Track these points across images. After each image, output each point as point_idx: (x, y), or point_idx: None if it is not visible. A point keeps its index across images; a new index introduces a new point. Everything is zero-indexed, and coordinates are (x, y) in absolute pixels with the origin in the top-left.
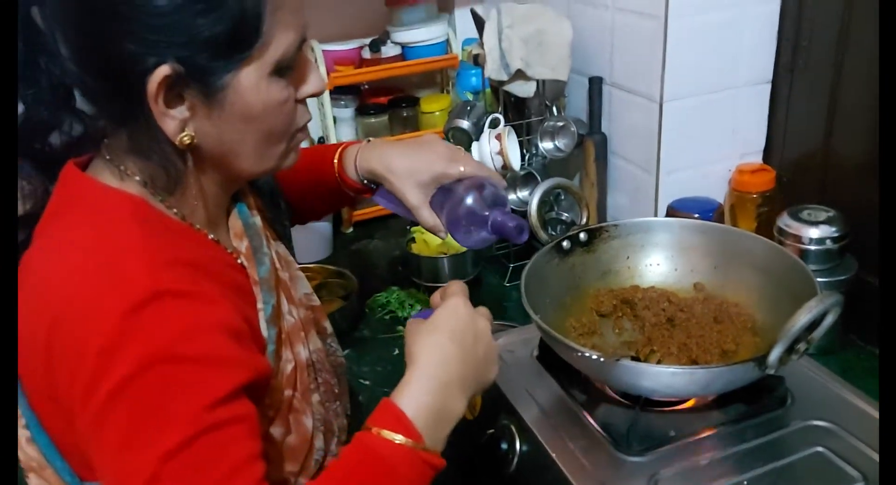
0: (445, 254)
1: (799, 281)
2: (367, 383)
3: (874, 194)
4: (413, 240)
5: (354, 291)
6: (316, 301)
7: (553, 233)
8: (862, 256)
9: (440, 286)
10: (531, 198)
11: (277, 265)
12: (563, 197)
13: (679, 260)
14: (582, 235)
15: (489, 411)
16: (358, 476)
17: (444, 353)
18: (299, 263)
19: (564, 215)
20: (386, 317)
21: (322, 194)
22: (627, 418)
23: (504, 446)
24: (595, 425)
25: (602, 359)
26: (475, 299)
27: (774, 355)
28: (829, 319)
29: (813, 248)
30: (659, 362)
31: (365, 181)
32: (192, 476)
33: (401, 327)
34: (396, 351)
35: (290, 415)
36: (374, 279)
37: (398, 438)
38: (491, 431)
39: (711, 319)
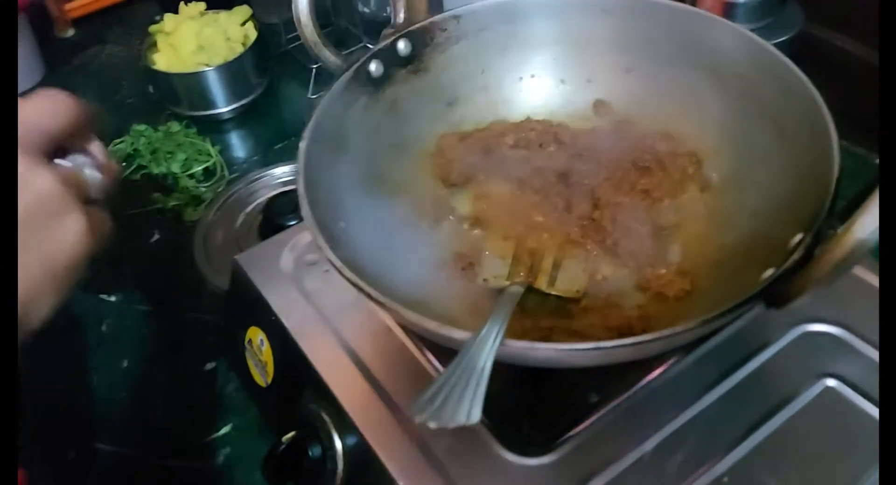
0: (208, 65)
1: (776, 82)
2: (113, 298)
3: None
4: (156, 47)
5: None
6: None
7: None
8: (808, 3)
9: (211, 115)
10: None
11: None
12: None
13: (567, 64)
14: (401, 45)
15: (284, 395)
16: None
17: None
18: None
19: (366, 10)
20: (135, 176)
21: None
22: (520, 382)
23: (315, 451)
24: None
25: (460, 337)
26: (269, 121)
27: (803, 298)
28: None
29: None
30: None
31: None
32: None
33: (158, 195)
34: (156, 236)
35: None
36: (112, 114)
37: None
38: (291, 434)
39: (629, 165)
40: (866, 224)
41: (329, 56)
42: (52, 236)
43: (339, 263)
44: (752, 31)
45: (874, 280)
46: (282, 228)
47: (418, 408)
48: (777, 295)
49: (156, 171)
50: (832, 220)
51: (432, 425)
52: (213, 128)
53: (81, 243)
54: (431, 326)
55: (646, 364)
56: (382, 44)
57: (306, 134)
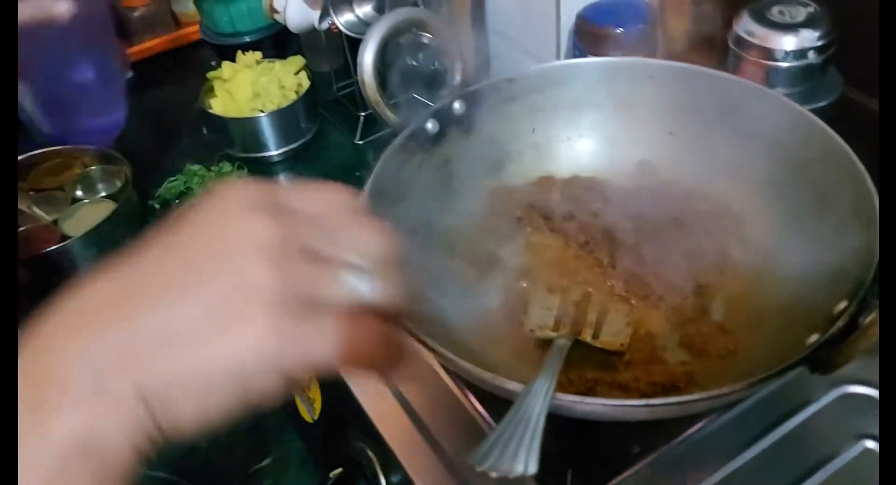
0: (262, 111)
1: (816, 148)
2: None
3: None
4: (212, 92)
5: (129, 184)
6: None
7: (410, 103)
8: (847, 68)
9: (262, 157)
10: (364, 48)
11: None
12: (419, 40)
13: (613, 126)
14: (456, 106)
15: (330, 431)
16: None
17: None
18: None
19: (417, 64)
20: None
21: None
22: (563, 432)
23: None
24: None
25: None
26: (317, 165)
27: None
28: None
29: (787, 64)
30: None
31: None
32: None
33: None
34: None
35: None
36: (167, 154)
37: None
38: (338, 470)
39: (672, 223)
40: None
41: (389, 114)
42: (229, 325)
43: None
44: (792, 95)
45: None
46: None
47: (479, 458)
48: (822, 362)
49: None
50: (877, 288)
51: (493, 474)
52: (263, 170)
53: (268, 345)
54: (486, 376)
55: (687, 417)
56: (439, 104)
57: (367, 188)
